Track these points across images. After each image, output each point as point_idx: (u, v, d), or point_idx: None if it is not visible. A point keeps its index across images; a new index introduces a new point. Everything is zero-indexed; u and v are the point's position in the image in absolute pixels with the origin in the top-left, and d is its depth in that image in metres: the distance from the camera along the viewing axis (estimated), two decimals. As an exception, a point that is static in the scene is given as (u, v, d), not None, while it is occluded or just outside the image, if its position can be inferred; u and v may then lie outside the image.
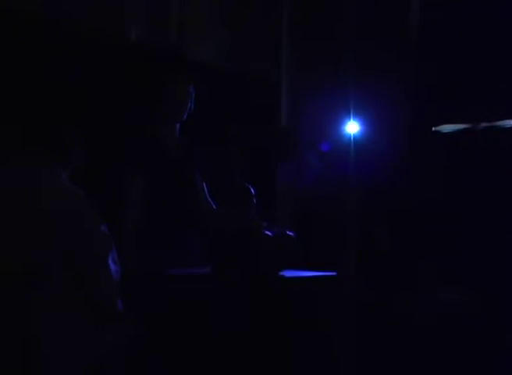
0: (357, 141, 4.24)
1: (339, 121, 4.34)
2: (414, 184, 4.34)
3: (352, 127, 4.23)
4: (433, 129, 4.32)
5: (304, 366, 2.93)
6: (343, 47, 4.46)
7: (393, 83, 4.32)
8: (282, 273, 3.01)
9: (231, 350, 2.73)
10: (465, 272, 4.12)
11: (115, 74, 3.28)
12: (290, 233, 3.12)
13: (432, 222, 4.29)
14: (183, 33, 4.06)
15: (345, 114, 4.28)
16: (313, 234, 4.09)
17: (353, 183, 4.10)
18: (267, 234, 3.05)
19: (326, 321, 3.03)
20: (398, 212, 4.38)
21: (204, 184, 3.16)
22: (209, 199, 3.16)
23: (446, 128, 4.34)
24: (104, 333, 2.25)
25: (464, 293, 4.04)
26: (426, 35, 4.50)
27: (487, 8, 4.25)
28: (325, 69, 4.56)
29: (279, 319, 2.86)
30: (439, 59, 4.39)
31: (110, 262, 2.18)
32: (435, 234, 4.27)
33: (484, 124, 4.29)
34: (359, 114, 4.27)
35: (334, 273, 3.16)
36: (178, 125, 3.10)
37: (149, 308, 2.61)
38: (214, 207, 3.15)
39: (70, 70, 3.11)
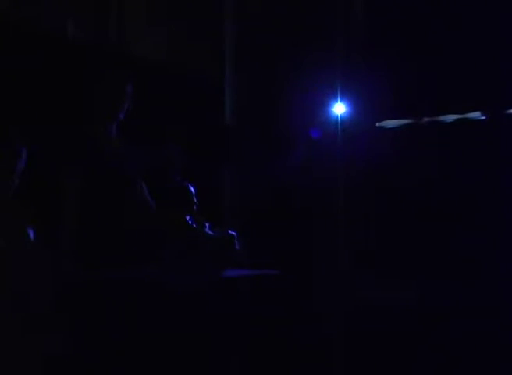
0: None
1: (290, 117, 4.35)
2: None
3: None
4: (377, 124, 4.34)
5: (251, 365, 2.94)
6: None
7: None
8: (223, 272, 3.00)
9: (174, 349, 2.71)
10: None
11: (49, 71, 3.20)
12: (232, 233, 3.13)
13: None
14: (122, 29, 3.99)
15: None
16: (260, 233, 4.06)
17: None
18: (208, 234, 3.05)
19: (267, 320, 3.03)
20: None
21: (143, 184, 3.11)
22: (148, 199, 3.11)
23: (390, 123, 4.36)
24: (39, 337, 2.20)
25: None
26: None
27: (433, 7, 4.29)
28: (271, 63, 4.54)
29: (219, 318, 2.86)
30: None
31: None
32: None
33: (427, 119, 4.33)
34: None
35: (276, 272, 3.16)
36: (114, 124, 3.05)
37: (89, 311, 2.57)
38: (153, 207, 3.11)
39: (3, 66, 3.03)
